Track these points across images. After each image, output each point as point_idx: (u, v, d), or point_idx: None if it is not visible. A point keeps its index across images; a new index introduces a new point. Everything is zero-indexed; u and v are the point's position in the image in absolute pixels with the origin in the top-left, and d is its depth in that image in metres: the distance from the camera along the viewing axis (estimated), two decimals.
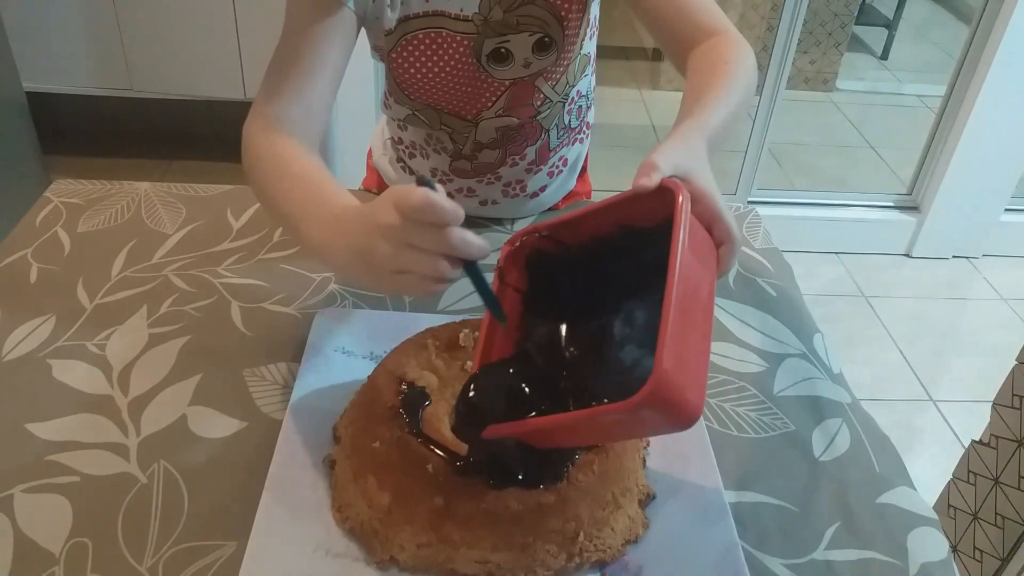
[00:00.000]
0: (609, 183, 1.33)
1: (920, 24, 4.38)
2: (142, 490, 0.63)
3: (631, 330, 0.57)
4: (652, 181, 0.54)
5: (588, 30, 0.90)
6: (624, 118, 3.26)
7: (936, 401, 2.01)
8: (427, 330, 0.71)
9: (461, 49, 0.85)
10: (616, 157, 2.63)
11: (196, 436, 0.68)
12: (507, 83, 0.89)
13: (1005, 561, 1.14)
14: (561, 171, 1.06)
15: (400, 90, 0.90)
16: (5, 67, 2.00)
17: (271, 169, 0.72)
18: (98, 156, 2.63)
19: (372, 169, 1.14)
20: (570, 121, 1.00)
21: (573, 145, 1.05)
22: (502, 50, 0.86)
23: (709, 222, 0.56)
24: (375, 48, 0.90)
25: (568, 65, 0.90)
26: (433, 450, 0.59)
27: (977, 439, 1.21)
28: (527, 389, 0.56)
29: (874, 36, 3.97)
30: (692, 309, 0.50)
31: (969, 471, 1.22)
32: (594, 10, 0.89)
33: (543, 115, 0.94)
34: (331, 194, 0.66)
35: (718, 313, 0.88)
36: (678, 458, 0.68)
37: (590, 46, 0.93)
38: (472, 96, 0.90)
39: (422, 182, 0.51)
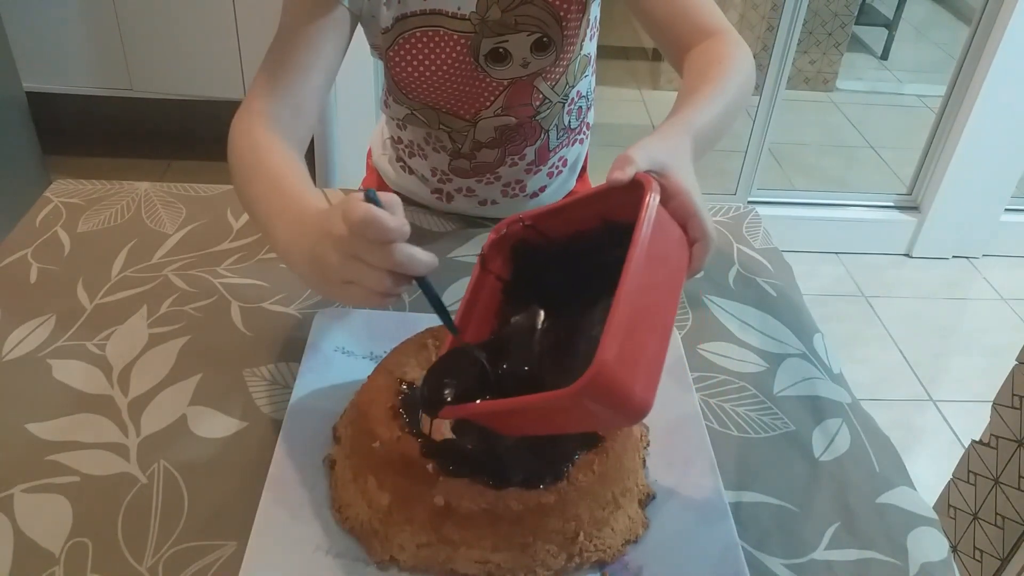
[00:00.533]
0: None
1: (920, 24, 4.37)
2: (142, 490, 0.63)
3: (600, 325, 0.58)
4: (625, 174, 0.54)
5: (588, 31, 0.90)
6: (624, 118, 3.26)
7: (936, 401, 2.01)
8: (427, 330, 0.71)
9: (459, 48, 0.85)
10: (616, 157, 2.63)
11: (196, 436, 0.68)
12: (505, 83, 0.89)
13: (1005, 561, 1.14)
14: (561, 171, 1.06)
15: (398, 89, 0.90)
16: (5, 67, 2.01)
17: (247, 168, 0.72)
18: (98, 156, 2.63)
19: (372, 169, 1.14)
20: (570, 122, 1.00)
21: (573, 146, 1.05)
22: (500, 50, 0.86)
23: (684, 219, 0.56)
24: (373, 46, 0.90)
25: (567, 66, 0.90)
26: (433, 450, 0.59)
27: (977, 439, 1.21)
28: (490, 375, 0.57)
29: (874, 36, 3.97)
30: (648, 304, 0.49)
31: (969, 471, 1.22)
32: (594, 11, 0.89)
33: (542, 115, 0.94)
34: (299, 195, 0.66)
35: (718, 313, 0.88)
36: (678, 458, 0.68)
37: (590, 47, 0.93)
38: (470, 95, 0.90)
39: (368, 197, 0.51)
